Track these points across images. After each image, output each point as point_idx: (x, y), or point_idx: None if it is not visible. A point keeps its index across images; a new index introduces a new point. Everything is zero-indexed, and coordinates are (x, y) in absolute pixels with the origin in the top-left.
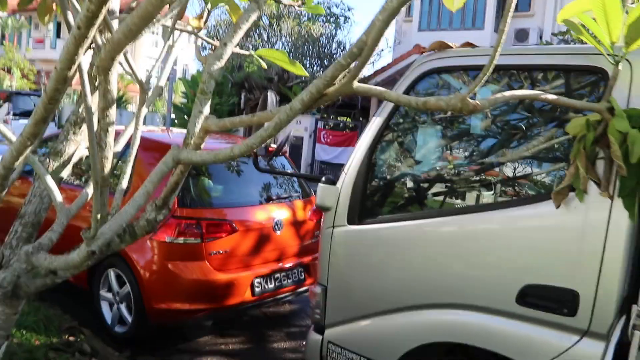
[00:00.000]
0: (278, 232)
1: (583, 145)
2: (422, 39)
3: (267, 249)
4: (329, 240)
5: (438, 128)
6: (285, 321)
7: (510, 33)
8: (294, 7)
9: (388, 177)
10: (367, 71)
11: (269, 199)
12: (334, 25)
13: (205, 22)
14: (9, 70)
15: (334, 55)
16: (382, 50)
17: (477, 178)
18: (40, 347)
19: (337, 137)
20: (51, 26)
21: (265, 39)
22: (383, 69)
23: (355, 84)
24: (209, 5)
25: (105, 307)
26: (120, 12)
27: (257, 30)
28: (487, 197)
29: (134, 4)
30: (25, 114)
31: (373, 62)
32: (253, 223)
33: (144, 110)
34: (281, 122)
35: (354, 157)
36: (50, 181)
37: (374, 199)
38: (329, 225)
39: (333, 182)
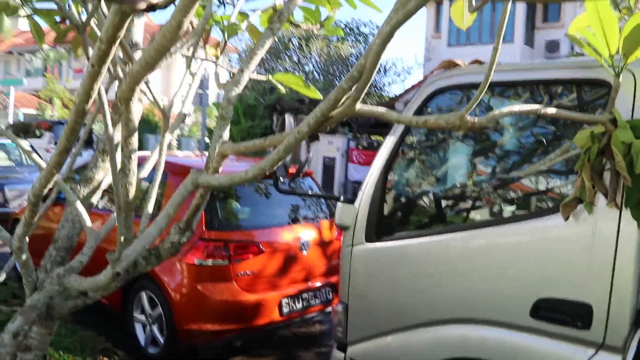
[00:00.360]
0: (305, 252)
1: (588, 157)
2: (451, 55)
3: (294, 269)
4: (348, 259)
5: (451, 144)
6: (315, 341)
7: (541, 45)
8: (312, 30)
9: (403, 194)
10: (397, 89)
11: (295, 220)
12: (363, 44)
13: (223, 50)
14: (50, 101)
15: None
16: (412, 67)
17: (488, 192)
18: None
19: (369, 157)
20: None
21: (296, 61)
22: (413, 87)
23: (358, 105)
24: (227, 35)
25: (138, 328)
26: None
27: (288, 52)
28: (498, 211)
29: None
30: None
31: (403, 80)
32: (280, 244)
33: (168, 136)
34: (290, 145)
35: (371, 176)
36: (80, 207)
37: (390, 217)
38: (348, 244)
39: (351, 201)
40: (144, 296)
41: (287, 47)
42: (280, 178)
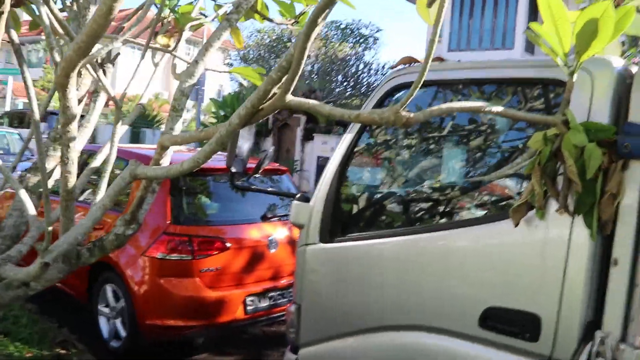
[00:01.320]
0: (273, 251)
1: (539, 160)
2: (452, 60)
3: (261, 267)
4: (302, 258)
5: (407, 144)
6: (281, 340)
7: (542, 52)
8: (287, 25)
9: (358, 194)
10: None
11: (264, 217)
12: (362, 46)
13: (179, 41)
14: (47, 91)
15: (360, 76)
16: None
17: (442, 194)
18: (28, 359)
19: None
20: None
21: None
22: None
23: (288, 97)
24: (188, 25)
25: (102, 321)
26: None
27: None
28: (450, 214)
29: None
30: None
31: None
32: (246, 241)
33: (120, 126)
34: (222, 137)
35: (325, 174)
36: (24, 195)
37: (344, 217)
38: (302, 243)
39: (307, 200)
40: (108, 289)
41: (286, 46)
42: (235, 173)
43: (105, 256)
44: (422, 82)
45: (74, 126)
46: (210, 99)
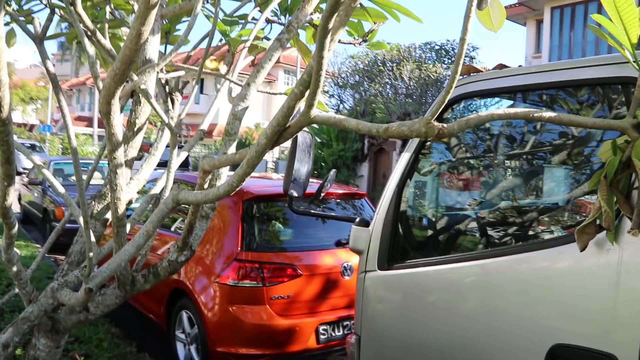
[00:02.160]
0: (347, 278)
1: (604, 173)
2: None
3: (335, 295)
4: (361, 287)
5: (470, 162)
6: None
7: None
8: (354, 44)
9: (418, 217)
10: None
11: (338, 243)
12: None
13: (231, 64)
14: (155, 125)
15: None
16: None
17: (513, 215)
18: None
19: None
20: (194, 82)
21: (389, 83)
22: None
23: (314, 112)
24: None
25: (179, 347)
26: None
27: (381, 75)
28: (513, 237)
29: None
30: (163, 164)
31: None
32: (319, 267)
33: (183, 153)
34: (252, 159)
35: (384, 197)
36: (82, 222)
37: (404, 242)
38: (361, 270)
39: (367, 224)
40: (184, 315)
41: (381, 70)
42: (294, 196)
43: (181, 283)
44: (491, 90)
45: (119, 153)
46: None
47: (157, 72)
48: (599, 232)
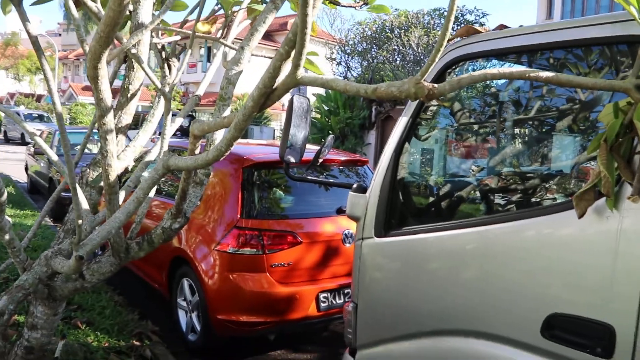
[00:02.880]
0: (348, 245)
1: (604, 137)
2: None
3: (336, 263)
4: (358, 254)
5: (470, 125)
6: None
7: None
8: (354, 7)
9: (415, 183)
10: None
11: (339, 211)
12: None
13: (225, 27)
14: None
15: None
16: None
17: (508, 180)
18: (104, 349)
19: None
20: (203, 51)
21: (397, 50)
22: None
23: (300, 73)
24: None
25: (181, 315)
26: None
27: (389, 42)
28: (507, 205)
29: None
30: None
31: None
32: (320, 235)
33: (178, 120)
34: (239, 122)
35: (381, 162)
36: (78, 190)
37: (400, 208)
38: (358, 237)
39: (363, 190)
40: (185, 283)
41: (389, 37)
42: (291, 162)
43: (182, 251)
44: (491, 52)
45: (109, 118)
46: (313, 94)
47: (152, 37)
48: (598, 198)
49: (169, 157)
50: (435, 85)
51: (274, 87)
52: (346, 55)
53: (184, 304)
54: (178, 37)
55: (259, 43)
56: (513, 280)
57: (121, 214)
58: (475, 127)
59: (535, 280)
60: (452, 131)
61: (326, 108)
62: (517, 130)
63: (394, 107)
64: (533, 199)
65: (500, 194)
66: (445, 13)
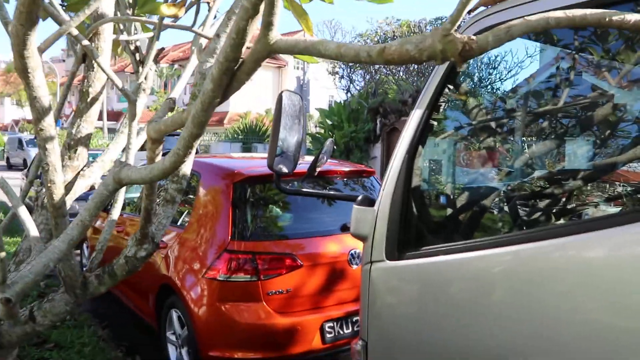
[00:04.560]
0: (355, 267)
1: None
2: None
3: (342, 287)
4: (367, 281)
5: (502, 118)
6: None
7: None
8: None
9: (434, 193)
10: None
11: (344, 228)
12: None
13: (197, 13)
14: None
15: None
16: None
17: (552, 192)
18: None
19: None
20: None
21: None
22: None
23: (273, 36)
24: None
25: (171, 351)
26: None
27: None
28: (554, 218)
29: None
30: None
31: None
32: (322, 256)
33: (135, 125)
34: (198, 115)
35: (391, 167)
36: (24, 213)
37: (416, 225)
38: (366, 261)
39: (371, 203)
40: (174, 315)
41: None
42: (282, 172)
43: (169, 278)
44: (509, 19)
45: (47, 122)
46: (316, 108)
47: (119, 32)
48: None
49: (121, 168)
50: (473, 37)
51: (240, 59)
52: (349, 69)
53: (173, 338)
54: (150, 34)
55: None
56: (563, 308)
57: (62, 243)
58: (507, 120)
59: (592, 308)
60: (478, 126)
61: (329, 122)
62: (563, 125)
63: (399, 118)
64: (587, 210)
65: (539, 205)
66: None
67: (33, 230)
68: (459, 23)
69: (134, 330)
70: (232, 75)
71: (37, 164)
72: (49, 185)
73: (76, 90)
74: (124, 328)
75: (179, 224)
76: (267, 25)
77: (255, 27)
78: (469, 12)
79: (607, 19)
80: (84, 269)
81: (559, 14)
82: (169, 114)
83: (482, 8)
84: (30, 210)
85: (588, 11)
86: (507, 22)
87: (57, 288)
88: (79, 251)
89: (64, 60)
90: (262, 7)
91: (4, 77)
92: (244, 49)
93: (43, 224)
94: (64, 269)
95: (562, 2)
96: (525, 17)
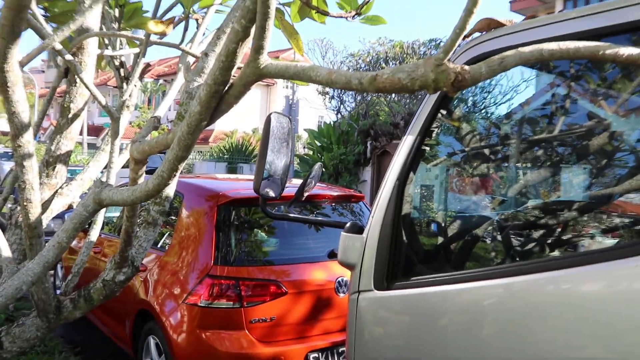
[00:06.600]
0: (342, 295)
1: None
2: None
3: (328, 316)
4: (354, 312)
5: (495, 145)
6: None
7: None
8: (346, 18)
9: (425, 221)
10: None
11: (331, 255)
12: None
13: (185, 31)
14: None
15: None
16: None
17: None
18: None
19: None
20: None
21: None
22: None
23: (264, 60)
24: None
25: None
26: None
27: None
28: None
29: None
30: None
31: None
32: (308, 283)
33: (118, 143)
34: (184, 137)
35: (381, 194)
36: None
37: (405, 254)
38: (354, 290)
39: (359, 230)
40: (151, 342)
41: (382, 67)
42: (269, 196)
43: (147, 303)
44: (505, 50)
45: (26, 139)
46: (305, 129)
47: (104, 46)
48: None
49: (102, 189)
50: (466, 67)
51: (229, 82)
52: (339, 89)
53: None
54: (136, 50)
55: None
56: (557, 344)
57: (36, 265)
58: (501, 147)
59: (585, 344)
60: (472, 153)
61: (319, 144)
62: (562, 152)
63: (391, 141)
64: (582, 242)
65: (534, 236)
66: (442, 43)
67: (5, 250)
68: (452, 52)
69: (108, 358)
70: (220, 98)
71: (12, 180)
72: (24, 203)
73: (56, 103)
74: (98, 355)
75: (159, 246)
76: (258, 48)
77: (246, 48)
78: (464, 38)
79: (600, 52)
80: (58, 292)
81: (553, 45)
82: (154, 133)
83: (477, 34)
84: (3, 228)
85: (581, 44)
86: (501, 52)
87: (27, 311)
88: (52, 272)
89: (43, 71)
90: (252, 29)
91: None
92: (233, 71)
93: (16, 243)
94: (37, 292)
95: (558, 31)
96: (519, 49)
